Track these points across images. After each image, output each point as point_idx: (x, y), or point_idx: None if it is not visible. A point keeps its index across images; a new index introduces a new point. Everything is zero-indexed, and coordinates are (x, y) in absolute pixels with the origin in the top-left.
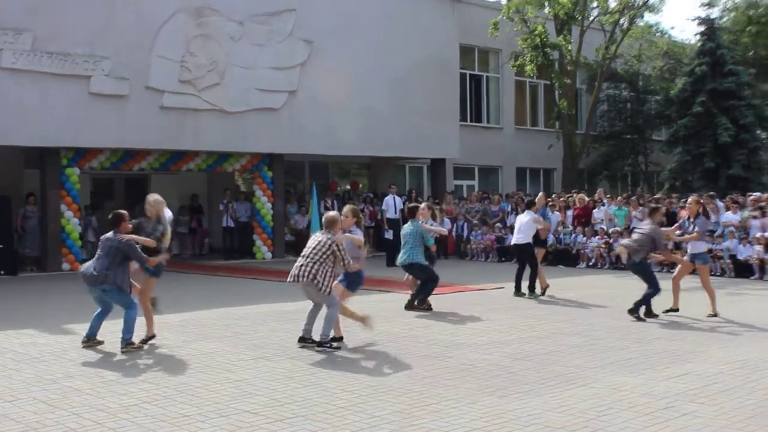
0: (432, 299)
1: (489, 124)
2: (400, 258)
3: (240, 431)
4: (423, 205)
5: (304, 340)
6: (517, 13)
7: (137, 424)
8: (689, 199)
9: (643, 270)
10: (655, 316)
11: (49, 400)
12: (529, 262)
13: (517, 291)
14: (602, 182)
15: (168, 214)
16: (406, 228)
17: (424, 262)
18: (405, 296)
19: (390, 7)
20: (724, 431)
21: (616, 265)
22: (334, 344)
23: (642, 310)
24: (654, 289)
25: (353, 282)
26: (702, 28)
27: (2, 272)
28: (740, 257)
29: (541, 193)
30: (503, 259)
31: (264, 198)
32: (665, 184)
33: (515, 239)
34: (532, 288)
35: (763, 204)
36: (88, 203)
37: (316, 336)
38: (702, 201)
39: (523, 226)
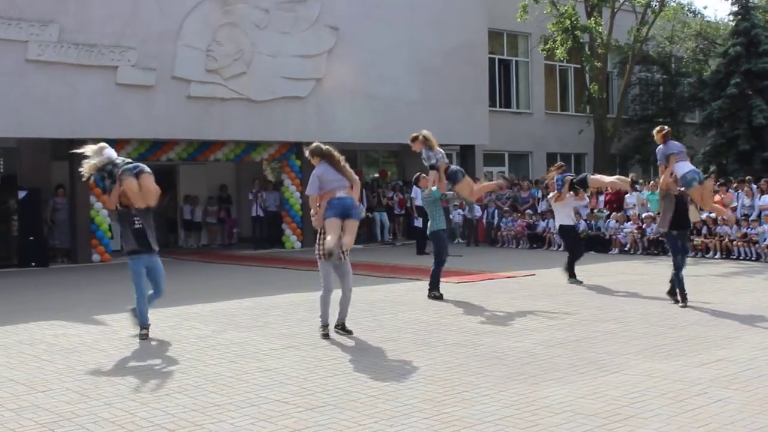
0: (462, 287)
1: (519, 109)
2: (428, 229)
3: (271, 420)
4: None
5: (341, 327)
6: None
7: (169, 414)
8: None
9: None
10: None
11: (81, 390)
12: (566, 244)
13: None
14: (634, 167)
15: (110, 153)
16: (422, 198)
17: (443, 226)
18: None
19: None
20: (757, 418)
21: (649, 251)
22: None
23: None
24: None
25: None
26: (736, 8)
27: (33, 264)
28: None
29: (558, 163)
30: (534, 246)
31: (293, 187)
32: (699, 168)
33: (557, 222)
34: (572, 274)
35: None
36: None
37: (349, 324)
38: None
39: (557, 207)
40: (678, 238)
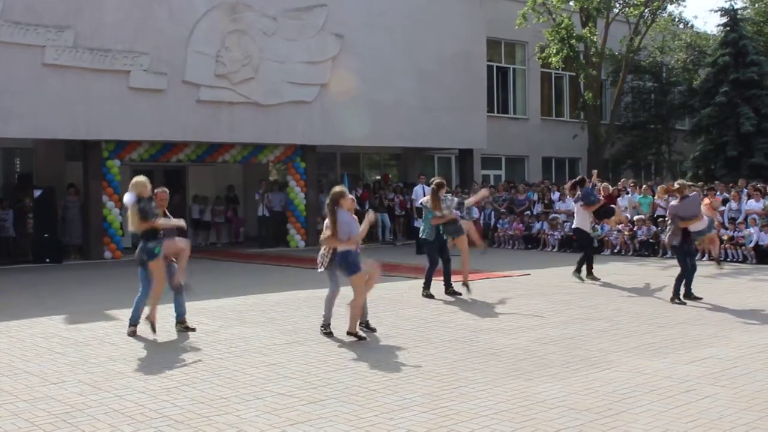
0: (460, 286)
1: (515, 114)
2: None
3: (275, 413)
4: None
5: (365, 324)
6: (543, 6)
7: (177, 406)
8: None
9: (676, 253)
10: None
11: (93, 382)
12: (579, 244)
13: (589, 274)
14: (626, 171)
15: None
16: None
17: (430, 239)
18: (436, 282)
19: (418, 1)
20: (743, 414)
21: (640, 252)
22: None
23: (681, 291)
24: (681, 270)
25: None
26: (725, 20)
27: (48, 260)
28: (762, 243)
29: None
30: (529, 246)
31: (297, 188)
32: (688, 173)
33: (575, 224)
34: (578, 269)
35: None
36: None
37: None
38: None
39: (579, 211)
40: (686, 243)
